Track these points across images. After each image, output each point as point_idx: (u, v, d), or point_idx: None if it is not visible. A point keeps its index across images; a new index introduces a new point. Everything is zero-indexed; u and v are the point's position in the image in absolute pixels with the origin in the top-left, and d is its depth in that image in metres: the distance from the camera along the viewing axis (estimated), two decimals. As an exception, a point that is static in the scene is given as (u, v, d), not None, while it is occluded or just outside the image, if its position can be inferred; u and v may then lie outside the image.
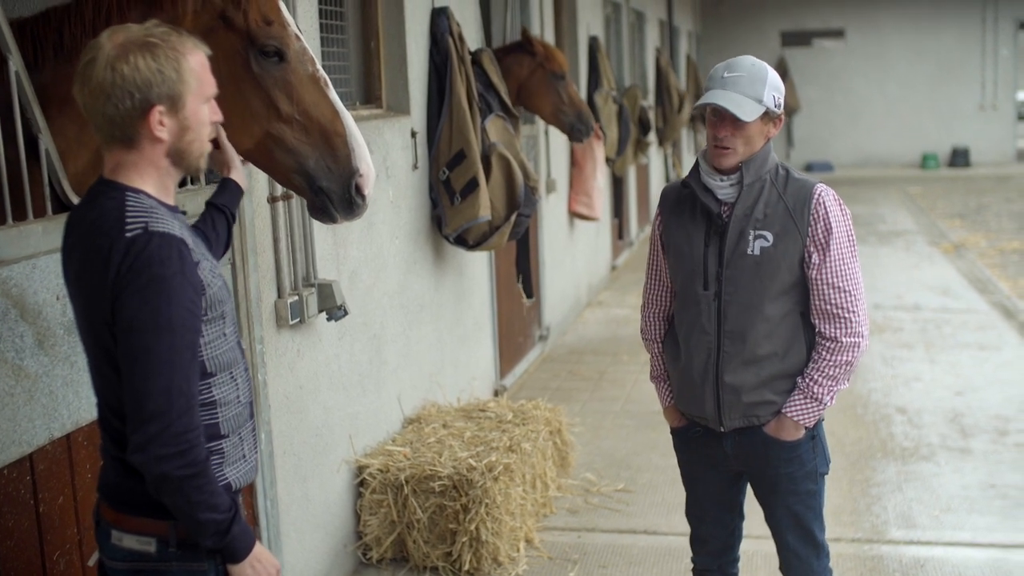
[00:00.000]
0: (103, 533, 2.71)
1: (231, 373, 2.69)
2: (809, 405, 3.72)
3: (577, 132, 8.21)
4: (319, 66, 3.32)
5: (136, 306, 2.45)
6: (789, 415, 3.73)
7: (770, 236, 3.65)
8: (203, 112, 2.62)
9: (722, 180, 3.71)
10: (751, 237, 3.66)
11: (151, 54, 2.49)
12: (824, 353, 3.70)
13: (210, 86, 2.64)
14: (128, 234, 2.47)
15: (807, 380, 3.71)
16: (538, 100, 8.11)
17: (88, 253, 2.52)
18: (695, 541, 4.17)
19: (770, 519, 3.97)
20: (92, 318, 2.55)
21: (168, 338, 2.46)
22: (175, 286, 2.47)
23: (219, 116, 2.70)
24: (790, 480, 3.82)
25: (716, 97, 3.60)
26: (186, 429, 2.48)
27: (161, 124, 2.53)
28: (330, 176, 3.32)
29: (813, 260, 3.66)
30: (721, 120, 3.63)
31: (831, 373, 3.69)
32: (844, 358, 3.68)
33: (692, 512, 4.14)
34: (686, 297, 3.82)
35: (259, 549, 2.71)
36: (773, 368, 3.73)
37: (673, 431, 4.08)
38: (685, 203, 3.83)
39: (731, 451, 3.87)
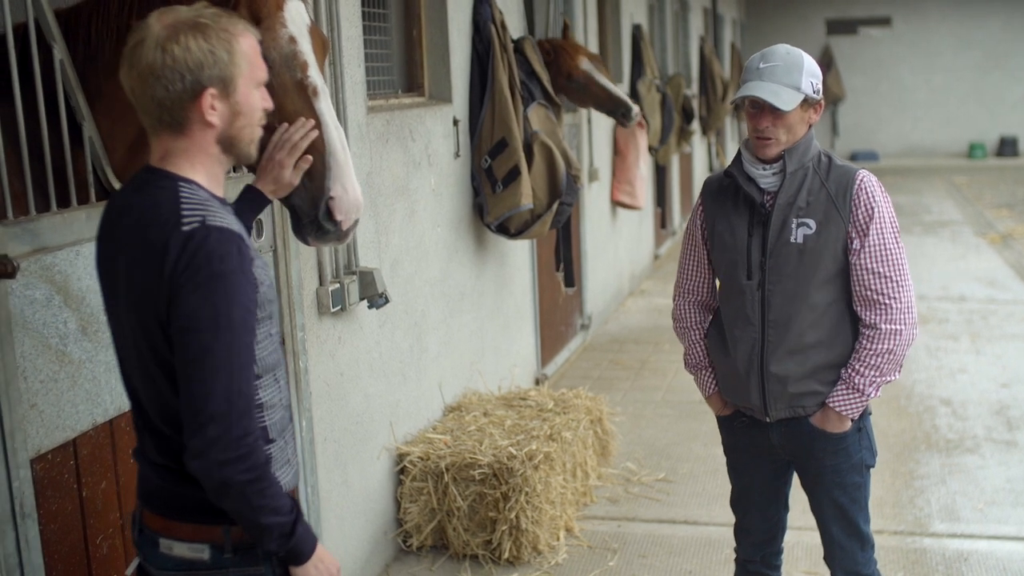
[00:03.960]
0: (148, 541, 2.61)
1: (275, 375, 2.61)
2: (852, 396, 3.68)
3: (620, 119, 8.14)
4: (311, 72, 3.05)
5: (195, 304, 2.34)
6: (833, 407, 3.70)
7: (813, 224, 3.62)
8: (255, 97, 2.51)
9: (765, 169, 3.68)
10: (794, 225, 3.63)
11: (203, 35, 2.39)
12: (864, 342, 3.65)
13: (261, 71, 2.53)
14: (185, 228, 2.37)
15: (849, 371, 3.67)
16: (571, 99, 8.06)
17: (141, 246, 2.41)
18: (739, 531, 4.15)
19: (815, 509, 3.95)
20: (144, 316, 2.43)
21: (227, 337, 2.36)
22: (235, 283, 2.37)
23: (270, 104, 2.59)
24: (835, 472, 3.80)
25: (753, 89, 3.57)
26: (246, 432, 2.38)
27: (212, 108, 2.43)
28: (302, 193, 3.05)
29: (854, 246, 3.62)
30: (761, 111, 3.61)
31: (873, 363, 3.64)
32: (884, 347, 3.62)
33: (737, 501, 4.12)
34: (730, 287, 3.80)
35: (321, 549, 2.62)
36: (819, 358, 3.70)
37: (719, 419, 4.05)
38: (727, 193, 3.81)
39: (778, 441, 3.85)
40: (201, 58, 2.39)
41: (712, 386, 4.00)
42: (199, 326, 2.34)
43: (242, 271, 2.39)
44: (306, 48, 3.05)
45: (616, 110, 8.00)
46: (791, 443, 3.83)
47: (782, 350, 3.70)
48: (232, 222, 2.46)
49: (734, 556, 4.22)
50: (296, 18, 3.05)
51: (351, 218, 3.09)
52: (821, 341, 3.69)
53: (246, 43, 2.48)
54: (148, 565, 2.63)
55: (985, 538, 5.63)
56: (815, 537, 4.02)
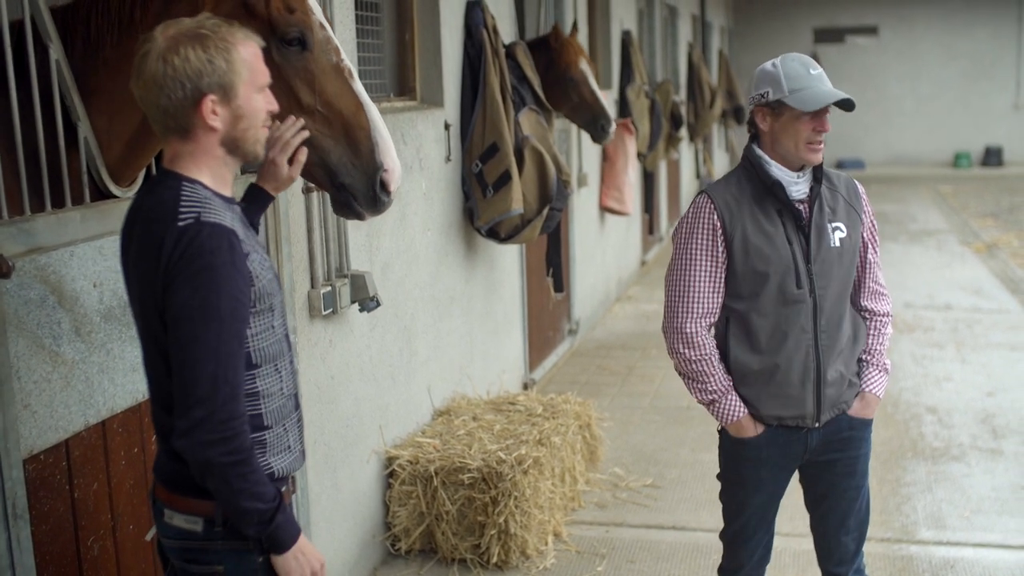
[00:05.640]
0: (157, 511, 2.79)
1: (276, 365, 2.74)
2: (883, 377, 3.91)
3: (597, 131, 8.04)
4: (344, 56, 3.22)
5: (186, 295, 2.50)
6: (872, 391, 3.87)
7: (844, 227, 3.76)
8: (256, 101, 2.67)
9: (798, 177, 3.73)
10: (830, 230, 3.74)
11: (201, 45, 2.55)
12: (882, 328, 3.92)
13: (263, 75, 2.69)
14: (180, 223, 2.53)
15: (873, 355, 3.90)
16: (553, 99, 7.82)
17: (143, 241, 2.58)
18: (743, 552, 3.99)
19: (836, 507, 3.92)
20: (146, 305, 2.61)
21: (216, 327, 2.52)
22: (224, 276, 2.52)
23: (275, 106, 2.74)
24: (865, 459, 3.93)
25: (835, 93, 3.70)
26: (230, 416, 2.54)
27: (214, 113, 2.59)
28: (353, 172, 3.21)
29: (868, 245, 3.88)
30: (820, 115, 3.70)
31: (885, 345, 3.93)
32: (890, 329, 3.96)
33: (749, 521, 3.94)
34: (776, 298, 3.69)
35: (303, 542, 2.75)
36: (852, 352, 3.86)
37: (742, 440, 3.83)
38: (745, 203, 3.72)
39: (816, 444, 3.82)
40: (199, 67, 2.55)
41: (741, 410, 3.77)
42: (189, 315, 2.52)
43: (232, 264, 2.54)
44: (332, 34, 3.24)
45: (597, 120, 7.88)
46: (828, 442, 3.85)
47: (834, 353, 3.78)
48: (227, 219, 2.60)
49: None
50: (317, 8, 3.23)
51: (397, 186, 3.29)
52: (852, 336, 3.86)
53: (246, 51, 2.64)
54: (159, 534, 2.83)
55: (971, 546, 5.65)
56: (803, 543, 4.04)
